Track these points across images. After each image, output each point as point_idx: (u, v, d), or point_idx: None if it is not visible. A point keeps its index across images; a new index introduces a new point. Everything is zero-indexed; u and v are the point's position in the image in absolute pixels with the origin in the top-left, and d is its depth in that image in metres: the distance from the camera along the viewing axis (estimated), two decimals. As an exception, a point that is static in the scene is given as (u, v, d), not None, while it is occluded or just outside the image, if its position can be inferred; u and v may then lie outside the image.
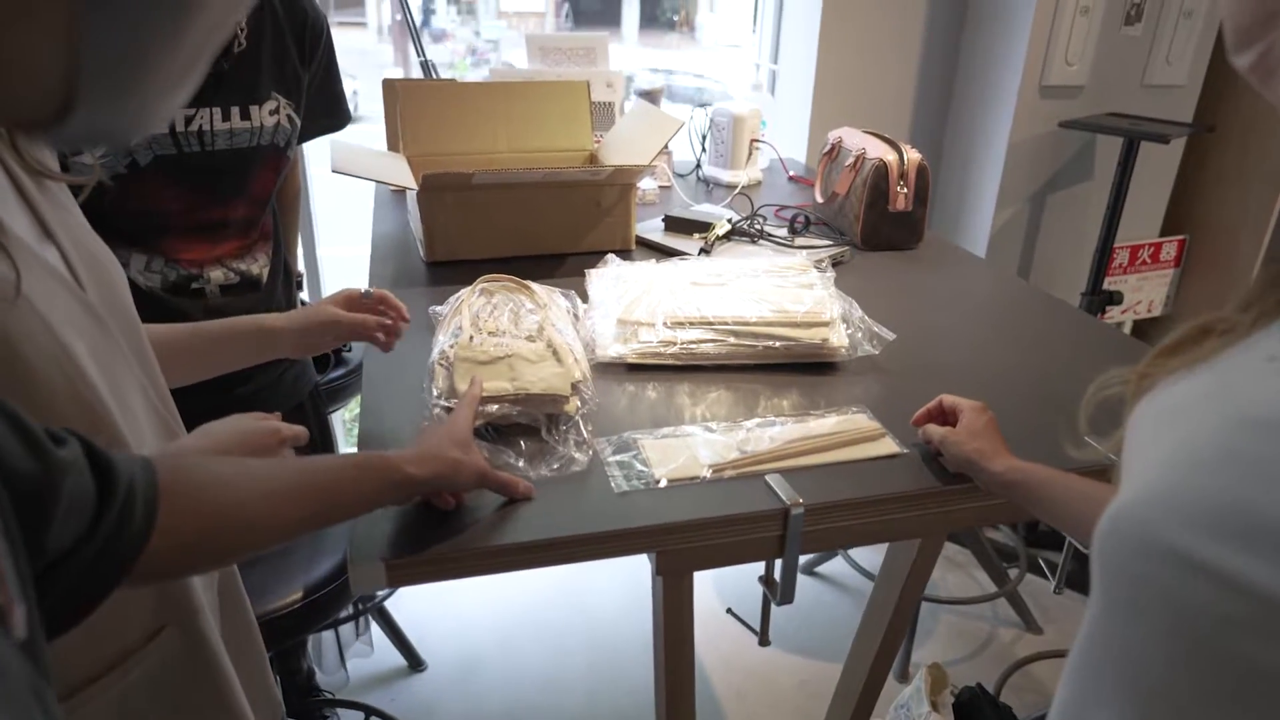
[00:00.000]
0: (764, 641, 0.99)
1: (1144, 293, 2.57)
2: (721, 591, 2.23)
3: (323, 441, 1.70)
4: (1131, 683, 0.44)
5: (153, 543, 0.55)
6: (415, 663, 2.03)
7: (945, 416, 0.95)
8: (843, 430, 0.98)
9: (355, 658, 2.00)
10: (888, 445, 0.96)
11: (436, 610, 2.18)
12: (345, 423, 2.64)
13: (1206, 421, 0.44)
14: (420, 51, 2.05)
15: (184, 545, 0.59)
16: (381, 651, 2.04)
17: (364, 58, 10.76)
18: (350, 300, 0.99)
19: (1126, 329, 2.64)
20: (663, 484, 0.88)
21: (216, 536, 0.62)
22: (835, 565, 2.37)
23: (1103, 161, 2.34)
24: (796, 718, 1.92)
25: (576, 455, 0.91)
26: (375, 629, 2.04)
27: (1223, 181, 2.46)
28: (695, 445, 0.95)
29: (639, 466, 0.91)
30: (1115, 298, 2.28)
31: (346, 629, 1.97)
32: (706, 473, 0.90)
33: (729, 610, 1.09)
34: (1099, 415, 0.61)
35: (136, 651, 0.72)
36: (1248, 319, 0.47)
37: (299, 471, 0.68)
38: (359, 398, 1.07)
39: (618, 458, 0.92)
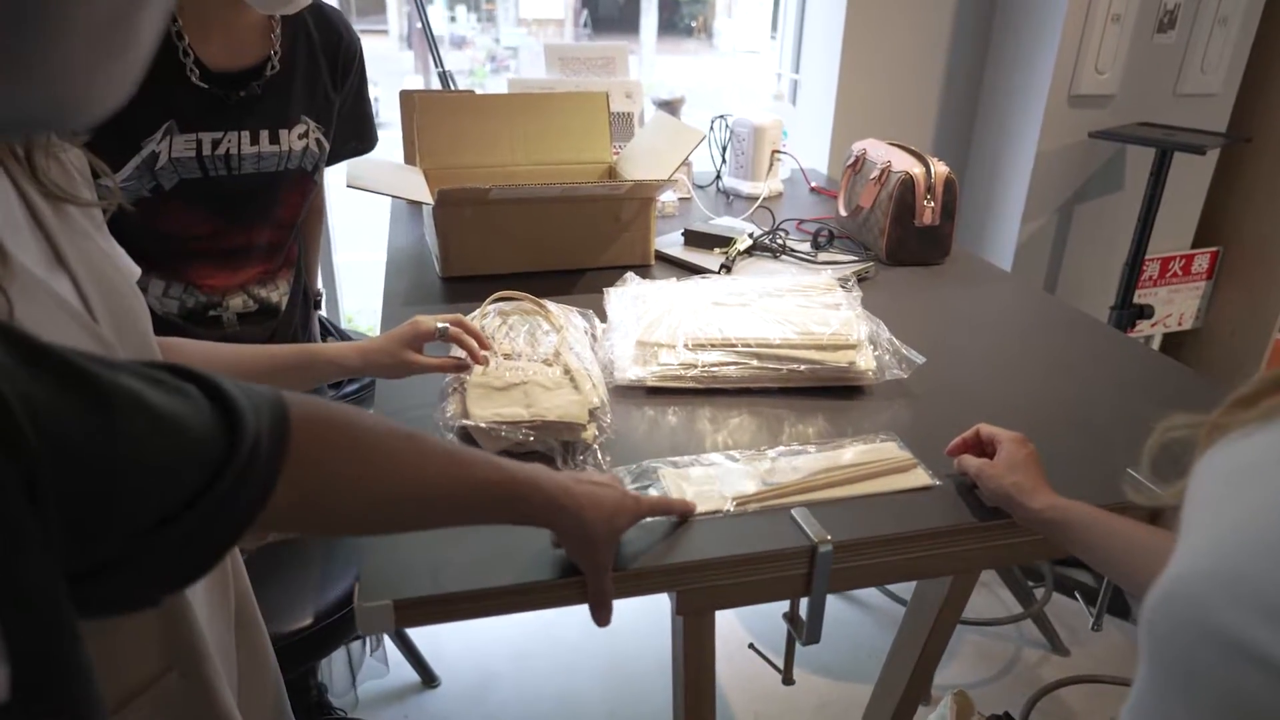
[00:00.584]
0: (788, 680, 0.95)
1: (1175, 305, 2.51)
2: (743, 618, 2.19)
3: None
4: None
5: (276, 495, 0.51)
6: (429, 679, 2.00)
7: (983, 447, 0.91)
8: (871, 460, 0.94)
9: (370, 678, 1.98)
10: (920, 477, 0.92)
11: (450, 625, 2.15)
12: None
13: (1276, 495, 0.40)
14: (438, 62, 2.03)
15: (306, 503, 0.55)
16: (393, 667, 2.01)
17: (385, 64, 10.82)
18: (422, 336, 0.93)
19: (1156, 342, 2.58)
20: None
21: (340, 500, 0.58)
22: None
23: (1134, 172, 2.29)
24: (817, 742, 1.87)
25: (595, 487, 0.87)
26: (389, 644, 2.01)
27: (1257, 192, 2.40)
28: (717, 476, 0.91)
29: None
30: (1146, 311, 2.22)
31: (358, 644, 1.94)
32: (730, 505, 0.86)
33: (751, 645, 1.06)
34: (1161, 458, 0.57)
35: (140, 695, 0.70)
36: None
37: (450, 459, 0.63)
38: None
39: (634, 487, 0.89)
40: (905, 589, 2.26)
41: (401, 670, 2.01)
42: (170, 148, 1.11)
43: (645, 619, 2.17)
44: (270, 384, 0.90)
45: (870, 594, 2.29)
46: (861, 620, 2.22)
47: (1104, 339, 1.31)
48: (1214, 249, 2.49)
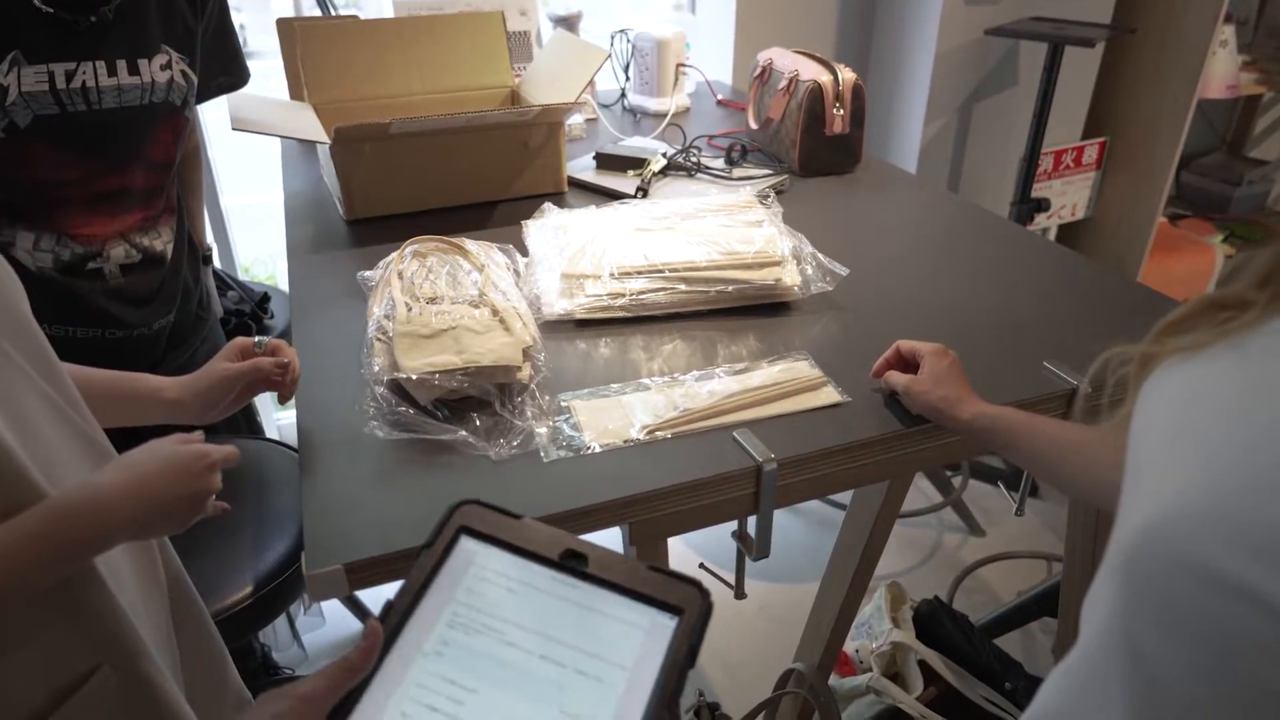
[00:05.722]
0: (740, 595, 0.97)
1: (1068, 196, 2.60)
2: (688, 538, 2.23)
3: (247, 422, 1.62)
4: (1145, 697, 0.43)
5: None
6: (373, 626, 1.99)
7: (905, 362, 0.92)
8: (783, 381, 0.95)
9: (308, 631, 1.95)
10: (829, 395, 0.93)
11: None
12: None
13: (1256, 427, 0.40)
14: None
15: None
16: (335, 615, 1.99)
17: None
18: (244, 350, 0.89)
19: (1052, 233, 2.68)
20: (594, 449, 0.85)
21: None
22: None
23: (1027, 67, 2.33)
24: (761, 642, 1.96)
25: (537, 429, 0.86)
26: (329, 598, 1.98)
27: (1139, 81, 2.48)
28: (630, 404, 0.91)
29: (568, 431, 0.87)
30: (1043, 204, 2.30)
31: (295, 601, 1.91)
32: (640, 434, 0.87)
33: (701, 565, 1.08)
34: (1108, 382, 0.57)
35: (70, 696, 0.66)
36: (1264, 296, 0.44)
37: None
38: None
39: (549, 423, 0.88)
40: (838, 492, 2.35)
41: (343, 618, 1.99)
42: (19, 80, 1.02)
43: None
44: (122, 412, 0.83)
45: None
46: (795, 523, 2.30)
47: (1013, 238, 1.35)
48: (1101, 139, 2.58)
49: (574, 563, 0.48)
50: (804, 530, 2.27)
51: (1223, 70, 2.45)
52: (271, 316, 1.75)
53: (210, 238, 1.98)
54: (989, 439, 0.82)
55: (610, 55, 1.93)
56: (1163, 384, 0.47)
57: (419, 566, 0.49)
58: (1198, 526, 0.39)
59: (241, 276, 2.22)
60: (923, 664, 1.56)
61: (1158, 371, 0.48)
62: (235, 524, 1.15)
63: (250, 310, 1.71)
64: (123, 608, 0.70)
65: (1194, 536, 0.39)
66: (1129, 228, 2.64)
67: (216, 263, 2.04)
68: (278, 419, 2.37)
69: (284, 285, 1.81)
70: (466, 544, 0.50)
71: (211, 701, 0.88)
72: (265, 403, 2.24)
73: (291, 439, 0.92)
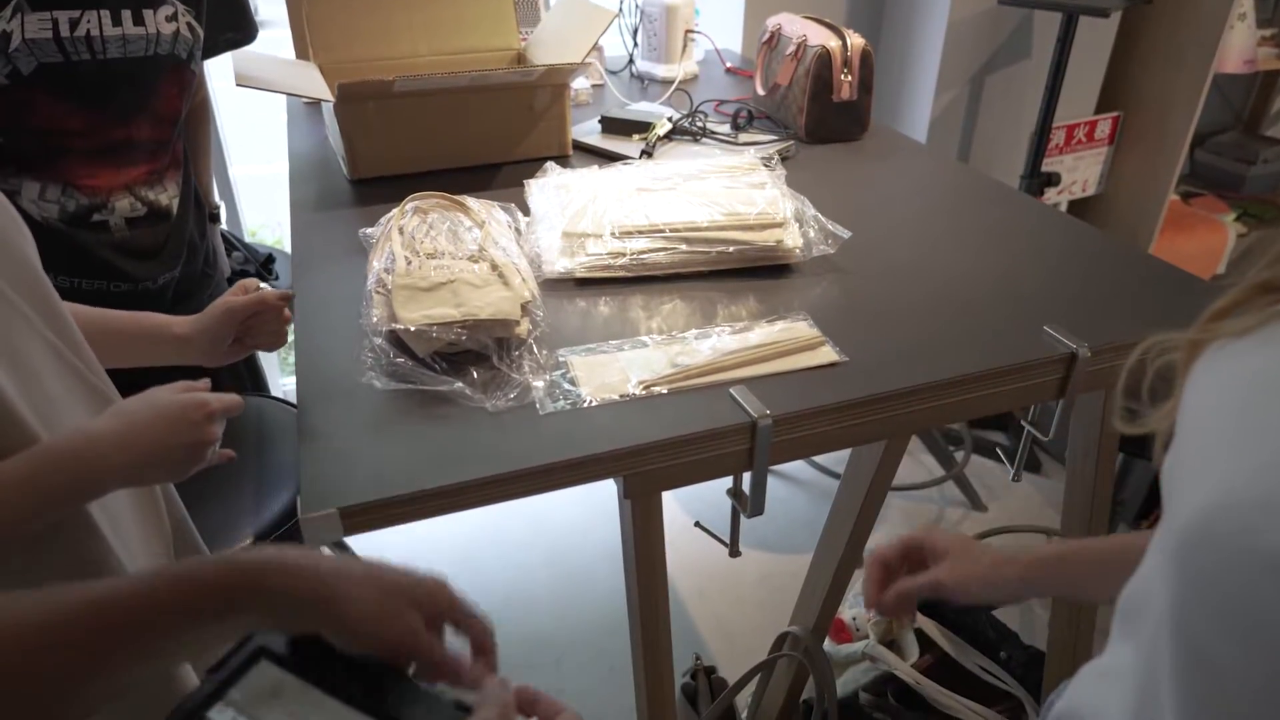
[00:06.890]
0: (734, 553, 0.98)
1: (1079, 172, 2.58)
2: (683, 502, 2.25)
3: (252, 380, 1.63)
4: (1202, 701, 0.41)
5: None
6: (377, 589, 2.01)
7: (889, 570, 0.83)
8: (781, 340, 0.95)
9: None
10: (826, 354, 0.93)
11: (391, 534, 2.15)
12: (280, 353, 2.54)
13: None
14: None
15: None
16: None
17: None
18: (248, 288, 0.89)
19: (1062, 209, 2.66)
20: (591, 403, 0.85)
21: None
22: (789, 462, 2.41)
23: (1040, 39, 2.30)
24: (760, 612, 1.97)
25: (534, 382, 0.87)
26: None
27: (1155, 55, 2.45)
28: (628, 361, 0.91)
29: (565, 385, 0.87)
30: (1054, 179, 2.28)
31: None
32: (637, 389, 0.87)
33: (697, 524, 1.08)
34: (1144, 379, 0.54)
35: None
36: None
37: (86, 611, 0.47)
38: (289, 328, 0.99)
39: (546, 377, 0.89)
40: (836, 464, 2.36)
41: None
42: (23, 26, 1.02)
43: (585, 511, 2.22)
44: (101, 348, 0.82)
45: (802, 469, 2.38)
46: (795, 495, 2.31)
47: (1020, 207, 1.34)
48: (1115, 114, 2.55)
49: (372, 700, 0.43)
50: (805, 502, 2.28)
51: (1240, 44, 2.41)
52: (276, 278, 1.76)
53: (216, 196, 1.99)
54: (1042, 589, 0.76)
55: (618, 16, 1.92)
56: (1214, 367, 0.45)
57: (197, 692, 0.42)
58: (1261, 515, 0.37)
59: (248, 239, 2.22)
60: (919, 632, 1.57)
61: (1206, 354, 0.46)
62: (237, 477, 1.16)
63: (255, 271, 1.72)
64: (118, 556, 0.71)
65: (1256, 525, 0.37)
66: (1140, 205, 2.61)
67: (224, 225, 2.05)
68: (283, 384, 2.39)
69: (289, 249, 1.82)
70: (264, 669, 0.44)
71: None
72: (271, 365, 2.26)
73: (294, 398, 0.94)
